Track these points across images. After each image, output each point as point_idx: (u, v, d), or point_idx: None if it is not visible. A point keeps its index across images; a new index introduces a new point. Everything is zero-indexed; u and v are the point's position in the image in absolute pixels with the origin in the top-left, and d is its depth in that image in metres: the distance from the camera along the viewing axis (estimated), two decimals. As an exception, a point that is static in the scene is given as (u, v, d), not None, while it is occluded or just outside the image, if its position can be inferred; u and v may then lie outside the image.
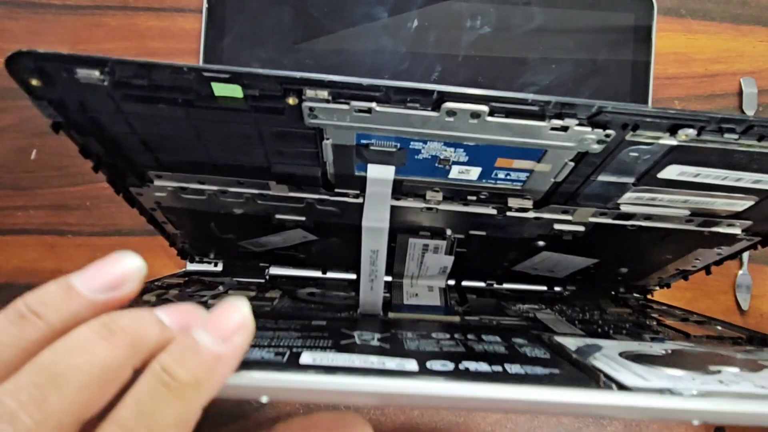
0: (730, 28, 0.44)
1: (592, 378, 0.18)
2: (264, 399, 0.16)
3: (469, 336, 0.23)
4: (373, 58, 0.41)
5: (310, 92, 0.19)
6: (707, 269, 0.31)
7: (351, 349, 0.20)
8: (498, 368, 0.18)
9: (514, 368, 0.18)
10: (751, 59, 0.44)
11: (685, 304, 0.44)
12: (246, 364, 0.17)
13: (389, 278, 0.32)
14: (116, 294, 0.17)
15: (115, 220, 0.43)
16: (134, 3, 0.44)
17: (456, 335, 0.23)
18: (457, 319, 0.28)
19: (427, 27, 0.41)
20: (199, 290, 0.32)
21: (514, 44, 0.41)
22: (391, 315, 0.28)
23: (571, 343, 0.23)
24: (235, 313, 0.17)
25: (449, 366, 0.18)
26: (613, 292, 0.37)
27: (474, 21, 0.41)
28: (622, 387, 0.17)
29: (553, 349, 0.22)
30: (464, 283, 0.37)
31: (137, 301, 0.28)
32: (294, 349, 0.19)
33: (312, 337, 0.21)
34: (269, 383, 0.16)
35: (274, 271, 0.38)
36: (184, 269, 0.39)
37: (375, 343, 0.21)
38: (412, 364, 0.18)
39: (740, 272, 0.43)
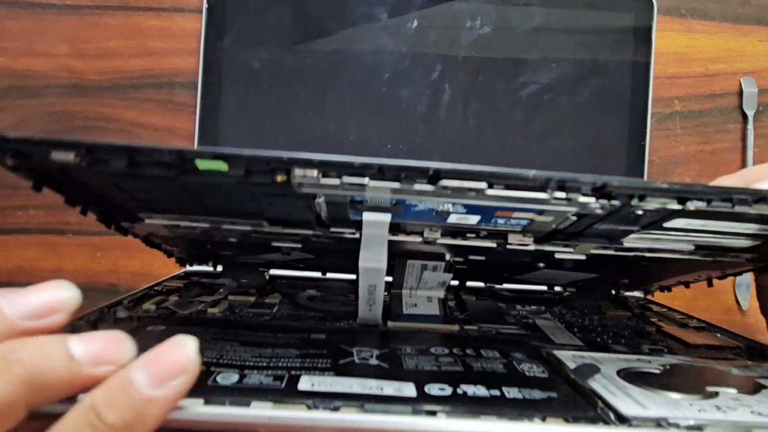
0: (730, 28, 0.44)
1: (590, 403, 0.18)
2: None
3: (468, 351, 0.23)
4: (373, 59, 0.41)
5: (298, 172, 0.18)
6: (709, 282, 0.32)
7: (349, 370, 0.20)
8: (496, 392, 0.19)
9: (512, 392, 0.19)
10: (751, 59, 0.44)
11: (686, 303, 0.44)
12: (245, 392, 0.17)
13: (386, 291, 0.32)
14: (41, 323, 0.16)
15: (115, 220, 0.43)
16: (134, 3, 0.44)
17: (455, 350, 0.23)
18: (456, 328, 0.28)
19: (427, 27, 0.41)
20: (199, 295, 0.32)
21: (514, 44, 0.41)
22: (390, 324, 0.28)
23: (569, 358, 0.23)
24: (179, 353, 0.16)
25: (447, 390, 0.18)
26: (613, 292, 0.37)
27: (474, 21, 0.41)
28: (620, 417, 0.17)
29: (551, 366, 0.22)
30: (465, 282, 0.37)
31: (137, 310, 0.28)
32: (292, 372, 0.19)
33: (311, 356, 0.21)
34: (267, 420, 0.16)
35: (274, 272, 0.38)
36: (184, 270, 0.39)
37: (373, 362, 0.21)
38: (410, 389, 0.18)
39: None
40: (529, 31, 0.41)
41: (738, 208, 0.18)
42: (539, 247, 0.26)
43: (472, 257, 0.29)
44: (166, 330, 0.24)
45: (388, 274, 0.27)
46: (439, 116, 0.42)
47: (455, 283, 0.37)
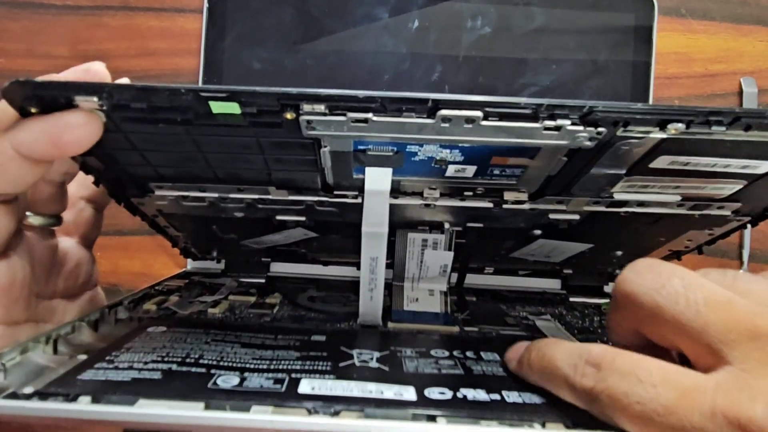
0: (730, 28, 0.44)
1: None
2: None
3: (468, 354, 0.23)
4: (374, 59, 0.41)
5: (307, 107, 0.19)
6: (699, 249, 0.32)
7: (350, 373, 0.20)
8: (496, 396, 0.19)
9: (512, 396, 0.19)
10: (751, 59, 0.44)
11: (686, 303, 0.44)
12: (245, 395, 0.17)
13: (390, 277, 0.32)
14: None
15: (116, 220, 0.43)
16: (134, 3, 0.44)
17: (455, 352, 0.23)
18: (456, 329, 0.28)
19: (427, 27, 0.41)
20: (199, 294, 0.32)
21: (515, 45, 0.41)
22: (390, 325, 0.28)
23: None
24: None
25: (447, 394, 0.18)
26: (609, 270, 0.37)
27: (474, 21, 0.41)
28: None
29: None
30: (465, 280, 0.37)
31: (137, 311, 0.28)
32: (293, 374, 0.19)
33: (311, 358, 0.21)
34: (268, 424, 0.16)
35: (275, 269, 0.38)
36: (185, 269, 0.39)
37: (374, 364, 0.21)
38: (410, 393, 0.18)
39: (740, 271, 0.43)
40: (529, 31, 0.41)
41: (715, 130, 0.19)
42: (534, 206, 0.27)
43: (470, 224, 0.29)
44: (166, 331, 0.24)
45: (389, 261, 0.27)
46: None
47: (455, 280, 0.37)
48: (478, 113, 0.19)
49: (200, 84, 0.42)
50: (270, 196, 0.26)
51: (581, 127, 0.20)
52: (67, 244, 0.26)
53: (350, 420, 0.16)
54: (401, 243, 0.30)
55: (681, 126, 0.19)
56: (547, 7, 0.41)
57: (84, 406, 0.16)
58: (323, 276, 0.38)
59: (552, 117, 0.20)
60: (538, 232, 0.31)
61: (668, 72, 0.44)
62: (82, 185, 0.27)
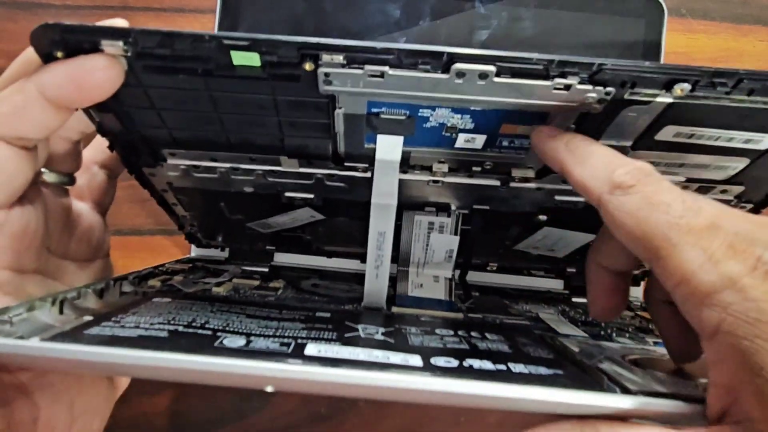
0: (731, 28, 0.44)
1: (596, 380, 0.18)
2: (269, 388, 0.16)
3: (473, 333, 0.23)
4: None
5: (326, 57, 0.19)
6: None
7: (355, 342, 0.20)
8: (502, 367, 0.18)
9: (518, 367, 0.18)
10: (751, 59, 0.44)
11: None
12: (251, 354, 0.17)
13: (395, 266, 0.32)
14: None
15: (116, 220, 0.43)
16: (134, 3, 0.44)
17: (460, 332, 0.23)
18: (460, 316, 0.28)
19: (438, 25, 0.41)
20: (203, 277, 0.32)
21: (524, 47, 0.41)
22: (395, 309, 0.28)
23: (574, 344, 0.23)
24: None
25: (453, 363, 0.18)
26: None
27: (485, 22, 0.41)
28: (625, 390, 0.17)
29: (556, 350, 0.22)
30: (468, 277, 0.37)
31: (142, 286, 0.28)
32: (299, 340, 0.19)
33: (317, 329, 0.21)
34: (276, 373, 0.15)
35: (279, 258, 0.38)
36: (188, 256, 0.39)
37: (379, 337, 0.21)
38: (416, 360, 0.18)
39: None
40: (538, 33, 0.41)
41: (719, 91, 0.20)
42: (541, 185, 0.27)
43: (476, 206, 0.30)
44: (171, 302, 0.24)
45: (394, 243, 0.27)
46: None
47: (457, 276, 0.37)
48: (491, 68, 0.20)
49: None
50: (281, 168, 0.27)
51: (590, 87, 0.20)
52: (80, 206, 0.27)
53: (356, 372, 0.16)
54: (407, 225, 0.31)
55: (686, 86, 0.20)
56: (557, 10, 0.41)
57: (92, 348, 0.16)
58: (327, 268, 0.39)
59: (563, 75, 0.20)
60: (543, 217, 0.31)
61: (668, 72, 0.44)
62: (97, 150, 0.28)
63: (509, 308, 0.32)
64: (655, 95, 0.20)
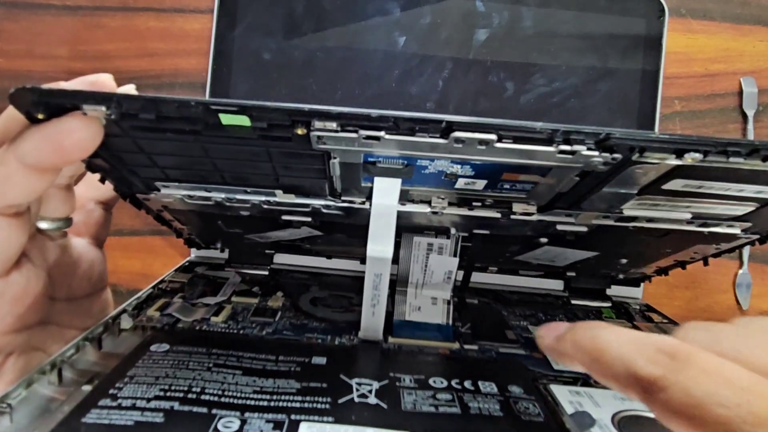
0: (730, 28, 0.44)
1: None
2: None
3: (466, 385, 0.23)
4: (384, 54, 0.41)
5: (318, 124, 0.19)
6: (705, 261, 0.32)
7: (348, 415, 0.20)
8: None
9: None
10: (751, 59, 0.44)
11: (686, 303, 0.44)
12: None
13: (394, 275, 0.32)
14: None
15: (116, 220, 0.43)
16: (134, 3, 0.44)
17: (453, 382, 0.24)
18: (456, 346, 0.28)
19: (439, 24, 0.41)
20: (203, 294, 0.32)
21: (525, 46, 0.41)
22: (391, 340, 0.28)
23: (566, 396, 0.23)
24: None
25: None
26: (613, 274, 0.37)
27: (486, 21, 0.41)
28: None
29: (548, 407, 0.22)
30: (470, 279, 0.37)
31: (141, 319, 0.28)
32: (293, 415, 0.20)
33: (311, 392, 0.21)
34: None
35: (279, 260, 0.38)
36: (188, 259, 0.39)
37: (372, 400, 0.21)
38: None
39: (740, 271, 0.44)
40: (539, 33, 0.41)
41: (732, 160, 0.19)
42: (542, 218, 0.26)
43: (476, 231, 0.29)
44: (169, 350, 0.24)
45: (394, 260, 0.27)
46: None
47: (459, 278, 0.37)
48: (493, 137, 0.19)
49: (209, 74, 0.41)
50: (276, 199, 0.26)
51: (596, 153, 0.19)
52: (79, 244, 0.26)
53: None
54: (406, 246, 0.30)
55: (698, 156, 0.19)
56: (558, 9, 0.41)
57: None
58: (327, 269, 0.38)
59: (567, 141, 0.19)
60: (544, 240, 0.31)
61: (668, 72, 0.44)
62: (90, 186, 0.27)
63: (506, 329, 0.32)
64: (664, 158, 0.19)
